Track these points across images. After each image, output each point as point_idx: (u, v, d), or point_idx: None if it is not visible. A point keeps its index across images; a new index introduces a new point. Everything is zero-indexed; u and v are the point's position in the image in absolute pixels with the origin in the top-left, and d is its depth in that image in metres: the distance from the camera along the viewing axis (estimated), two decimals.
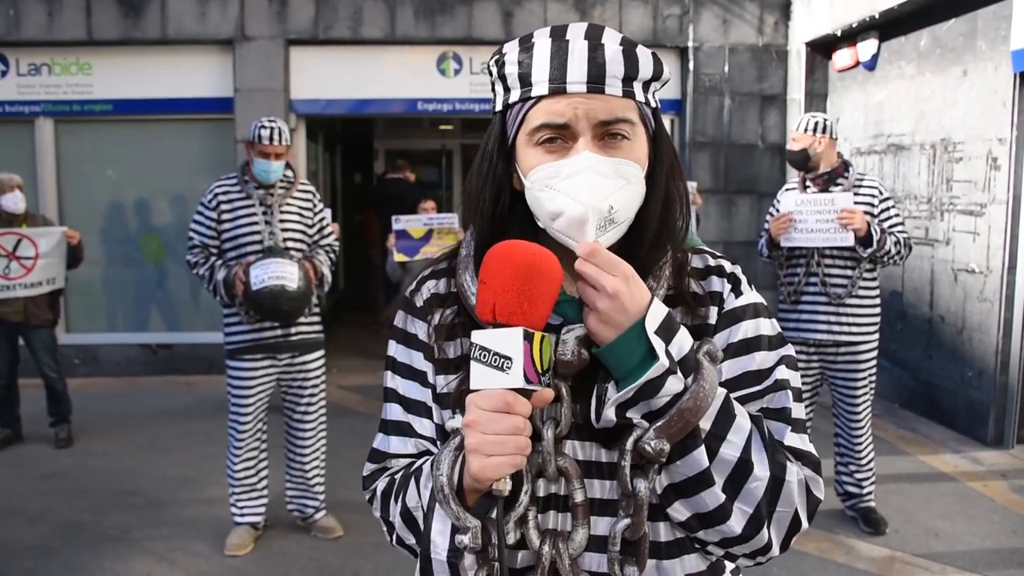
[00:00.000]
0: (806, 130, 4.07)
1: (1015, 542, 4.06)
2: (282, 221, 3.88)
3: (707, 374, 1.01)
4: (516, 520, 1.03)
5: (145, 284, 8.01)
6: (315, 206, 4.06)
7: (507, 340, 0.95)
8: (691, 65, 7.59)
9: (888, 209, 4.06)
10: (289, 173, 3.98)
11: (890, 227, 4.00)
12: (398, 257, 5.45)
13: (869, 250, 3.93)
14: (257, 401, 3.94)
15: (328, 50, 7.59)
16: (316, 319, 4.03)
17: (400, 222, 5.40)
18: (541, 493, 1.07)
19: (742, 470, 1.03)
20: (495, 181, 1.12)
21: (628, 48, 1.06)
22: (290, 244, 3.88)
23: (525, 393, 0.96)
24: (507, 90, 1.09)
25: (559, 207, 1.05)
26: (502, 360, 0.95)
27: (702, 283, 1.15)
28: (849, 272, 4.02)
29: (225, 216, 3.83)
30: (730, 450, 1.02)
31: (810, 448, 1.12)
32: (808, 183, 4.14)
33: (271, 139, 3.79)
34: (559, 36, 1.06)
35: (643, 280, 1.08)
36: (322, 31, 7.42)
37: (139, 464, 5.25)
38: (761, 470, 1.03)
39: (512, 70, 1.07)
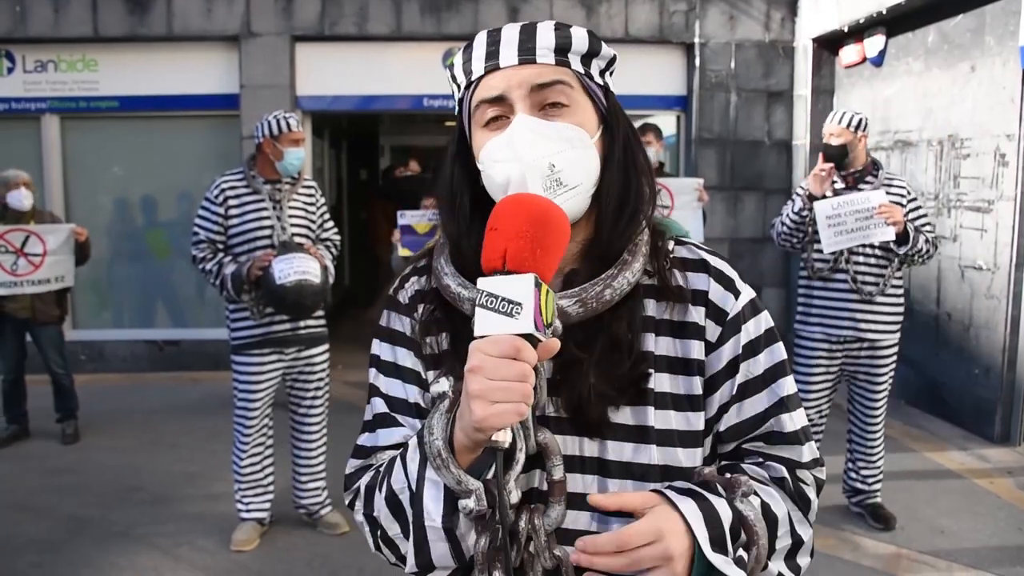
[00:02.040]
0: (848, 126, 4.02)
1: (1021, 539, 4.04)
2: (289, 216, 3.90)
3: (757, 529, 1.03)
4: (515, 480, 1.01)
5: (151, 280, 8.02)
6: (317, 201, 4.09)
7: (518, 286, 0.93)
8: (697, 61, 7.57)
9: (917, 208, 4.05)
10: None
11: (920, 226, 3.99)
12: (403, 252, 5.44)
13: (905, 248, 3.93)
14: (264, 396, 3.95)
15: (334, 46, 7.59)
16: (321, 313, 4.05)
17: (405, 217, 5.39)
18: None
19: (794, 547, 1.12)
20: (452, 178, 1.17)
21: (561, 27, 1.10)
22: (297, 239, 3.90)
23: (532, 342, 0.93)
24: (458, 86, 1.15)
25: (505, 176, 1.07)
26: (511, 306, 0.92)
27: (685, 274, 1.14)
28: (881, 270, 4.01)
29: (233, 211, 3.85)
30: (784, 540, 1.10)
31: (817, 454, 1.19)
32: (836, 179, 4.11)
33: (298, 126, 3.89)
34: (496, 30, 1.12)
35: (617, 256, 1.10)
36: (328, 27, 7.41)
37: (145, 460, 5.27)
38: (806, 535, 1.13)
39: (459, 67, 1.13)
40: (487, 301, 0.93)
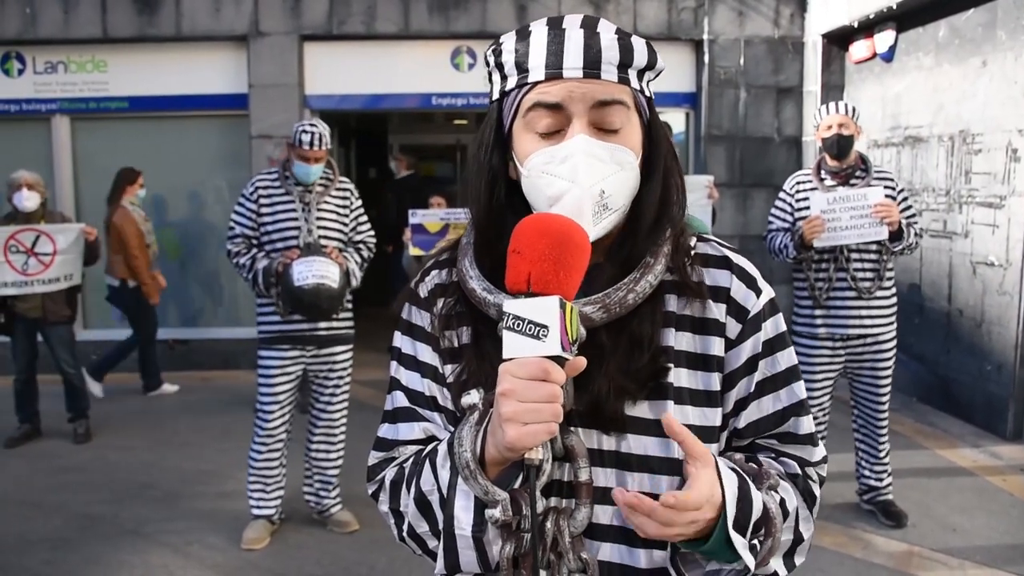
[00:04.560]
0: (851, 115, 3.99)
1: None
2: (320, 218, 3.93)
3: (776, 522, 1.05)
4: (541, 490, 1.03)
5: None
6: (352, 203, 4.11)
7: (543, 308, 0.95)
8: (706, 58, 7.55)
9: (905, 200, 4.04)
10: (328, 171, 4.04)
11: (907, 218, 3.98)
12: (414, 251, 5.43)
13: (899, 244, 3.91)
14: (284, 392, 3.97)
15: (342, 45, 7.60)
16: (348, 314, 4.07)
17: (417, 216, 5.38)
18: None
19: (794, 544, 1.14)
20: (490, 170, 1.14)
21: (623, 37, 1.07)
22: (326, 240, 3.92)
23: (559, 362, 0.96)
24: (504, 78, 1.11)
25: (557, 191, 1.06)
26: (538, 328, 0.94)
27: (706, 271, 1.14)
28: (875, 265, 4.00)
29: (264, 210, 3.90)
30: (787, 535, 1.11)
31: (825, 452, 1.22)
32: (825, 175, 4.09)
33: (311, 144, 3.85)
34: (556, 26, 1.07)
35: (640, 258, 1.09)
36: (336, 26, 7.43)
37: (156, 458, 5.29)
38: (807, 533, 1.15)
39: (509, 58, 1.09)
40: (514, 324, 0.95)
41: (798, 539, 1.13)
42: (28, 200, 5.38)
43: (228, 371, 7.34)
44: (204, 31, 7.41)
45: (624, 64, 1.06)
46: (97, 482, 4.87)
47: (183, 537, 4.10)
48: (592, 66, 1.04)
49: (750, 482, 1.05)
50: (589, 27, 1.06)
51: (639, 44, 1.08)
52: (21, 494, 4.71)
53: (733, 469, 1.04)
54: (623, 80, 1.06)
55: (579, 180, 1.04)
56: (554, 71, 1.05)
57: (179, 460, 5.24)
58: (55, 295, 5.47)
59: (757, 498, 1.04)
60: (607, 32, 1.06)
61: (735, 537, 0.99)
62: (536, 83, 1.06)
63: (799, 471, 1.17)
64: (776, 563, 1.11)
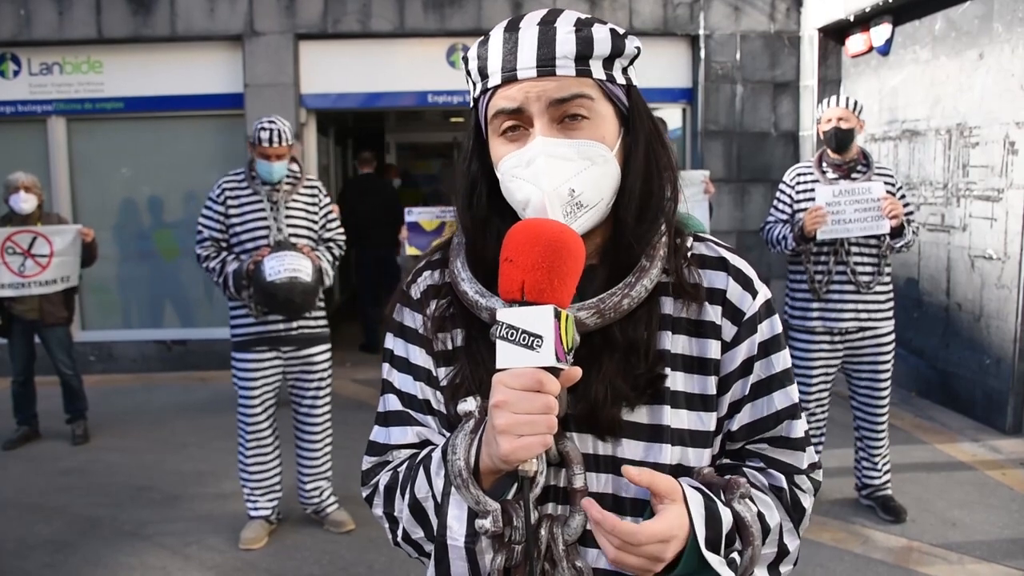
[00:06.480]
0: (853, 109, 3.98)
1: None
2: (288, 216, 3.90)
3: (753, 530, 1.05)
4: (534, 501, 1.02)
5: (159, 280, 8.04)
6: (320, 200, 4.07)
7: (537, 318, 0.93)
8: (702, 53, 7.54)
9: (903, 196, 4.04)
10: (295, 168, 3.99)
11: (906, 215, 3.98)
12: (410, 251, 5.40)
13: (900, 241, 3.93)
14: (263, 393, 3.96)
15: (337, 44, 7.59)
16: (321, 314, 4.05)
17: (412, 214, 5.35)
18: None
19: (779, 556, 1.13)
20: (469, 175, 1.14)
21: (582, 28, 1.04)
22: (296, 239, 3.89)
23: (554, 372, 0.94)
24: (474, 85, 1.11)
25: (525, 195, 1.05)
26: (532, 338, 0.93)
27: (702, 272, 1.13)
28: (875, 259, 4.00)
29: (233, 211, 3.86)
30: (770, 548, 1.11)
31: (816, 458, 1.20)
32: (826, 168, 4.08)
33: (271, 141, 3.79)
34: (513, 27, 1.06)
35: (637, 259, 1.08)
36: (331, 25, 7.41)
37: (155, 459, 5.28)
38: (792, 546, 1.14)
39: (474, 65, 1.09)
40: (507, 334, 0.94)
41: (783, 551, 1.12)
42: (25, 202, 5.37)
43: (226, 371, 7.28)
44: (199, 31, 7.39)
45: (583, 56, 1.03)
46: (96, 484, 4.87)
47: (182, 538, 4.10)
48: (545, 63, 1.02)
49: (717, 499, 1.03)
50: (547, 23, 1.04)
51: (600, 33, 1.04)
52: (20, 496, 4.70)
53: (697, 488, 1.03)
54: (582, 72, 1.03)
55: (541, 183, 1.03)
56: (509, 73, 1.04)
57: (178, 461, 5.24)
58: (52, 297, 5.46)
59: (726, 512, 1.03)
60: (564, 26, 1.03)
61: (710, 557, 0.98)
62: (496, 88, 1.05)
63: (785, 485, 1.15)
64: (760, 572, 1.10)
